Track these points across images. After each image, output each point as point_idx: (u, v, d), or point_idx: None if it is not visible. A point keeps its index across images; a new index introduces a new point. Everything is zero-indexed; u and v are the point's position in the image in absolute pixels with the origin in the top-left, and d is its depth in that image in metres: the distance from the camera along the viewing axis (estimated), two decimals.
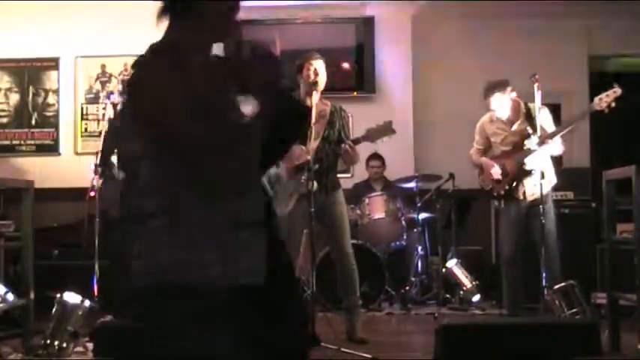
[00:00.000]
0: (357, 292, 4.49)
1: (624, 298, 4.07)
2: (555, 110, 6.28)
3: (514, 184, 4.84)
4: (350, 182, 6.33)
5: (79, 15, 6.36)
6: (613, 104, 4.49)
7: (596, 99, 4.54)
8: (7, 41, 6.49)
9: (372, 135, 4.21)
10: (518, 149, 4.83)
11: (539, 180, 4.46)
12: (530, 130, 4.73)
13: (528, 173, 4.72)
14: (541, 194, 4.44)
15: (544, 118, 4.72)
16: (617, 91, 4.48)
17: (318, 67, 4.27)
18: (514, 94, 4.86)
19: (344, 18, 7.12)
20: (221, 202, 1.78)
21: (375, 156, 6.38)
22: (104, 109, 6.10)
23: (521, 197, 4.81)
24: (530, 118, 4.78)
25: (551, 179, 4.86)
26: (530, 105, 4.73)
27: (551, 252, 4.60)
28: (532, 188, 4.68)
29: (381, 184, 6.47)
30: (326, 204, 4.31)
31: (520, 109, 4.90)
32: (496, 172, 4.92)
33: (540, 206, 4.43)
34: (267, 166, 2.04)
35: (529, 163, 4.72)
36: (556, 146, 4.73)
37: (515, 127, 4.90)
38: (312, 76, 4.24)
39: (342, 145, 4.21)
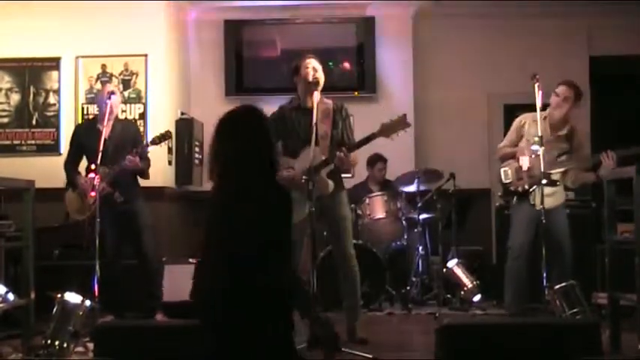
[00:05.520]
0: (358, 292, 4.48)
1: (625, 298, 4.07)
2: None
3: (533, 187, 4.74)
4: (350, 183, 6.31)
5: (79, 15, 6.34)
6: None
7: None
8: (7, 41, 6.48)
9: (386, 130, 4.04)
10: (552, 157, 4.71)
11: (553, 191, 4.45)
12: (566, 148, 4.72)
13: (553, 183, 4.65)
14: (542, 205, 4.43)
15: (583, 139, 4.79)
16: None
17: (316, 66, 4.26)
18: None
19: (344, 18, 7.13)
20: None
21: (381, 158, 6.37)
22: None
23: (532, 202, 4.74)
24: (571, 138, 4.80)
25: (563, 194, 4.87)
26: (582, 133, 4.74)
27: (565, 259, 4.61)
28: (546, 198, 4.55)
29: (380, 185, 6.46)
30: (330, 205, 4.30)
31: (569, 122, 4.85)
32: (525, 162, 4.77)
33: (543, 208, 4.42)
34: None
35: (555, 176, 4.70)
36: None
37: (554, 136, 4.80)
38: (312, 75, 4.23)
39: (337, 153, 4.08)
